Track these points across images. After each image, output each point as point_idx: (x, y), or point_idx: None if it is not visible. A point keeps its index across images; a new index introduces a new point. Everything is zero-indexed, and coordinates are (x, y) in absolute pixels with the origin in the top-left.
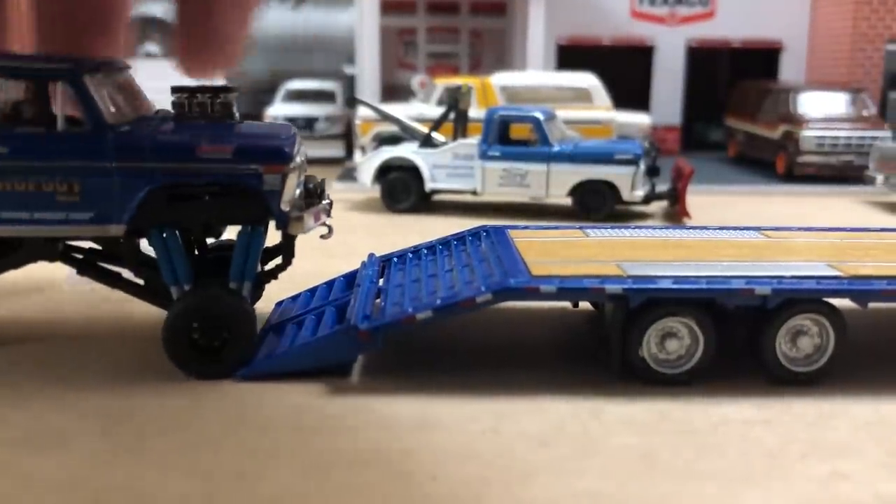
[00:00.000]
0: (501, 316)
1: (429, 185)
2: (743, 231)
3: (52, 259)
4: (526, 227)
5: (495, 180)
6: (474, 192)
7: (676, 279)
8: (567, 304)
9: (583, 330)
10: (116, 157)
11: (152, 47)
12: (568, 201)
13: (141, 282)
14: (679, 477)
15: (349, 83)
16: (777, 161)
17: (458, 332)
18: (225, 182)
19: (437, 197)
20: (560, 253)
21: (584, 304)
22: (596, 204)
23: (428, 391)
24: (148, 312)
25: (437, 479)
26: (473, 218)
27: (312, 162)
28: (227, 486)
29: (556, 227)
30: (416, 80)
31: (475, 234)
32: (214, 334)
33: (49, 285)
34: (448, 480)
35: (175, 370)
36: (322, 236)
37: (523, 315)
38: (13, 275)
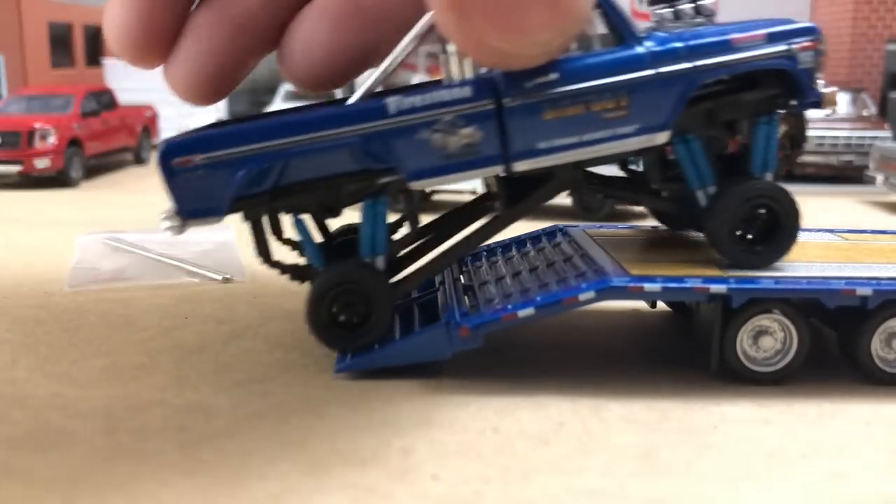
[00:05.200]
0: None
1: None
2: (817, 233)
3: (578, 187)
4: (601, 227)
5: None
6: (474, 192)
7: (777, 279)
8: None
9: (582, 328)
10: (657, 63)
11: None
12: (568, 201)
13: (664, 195)
14: (679, 476)
15: (348, 83)
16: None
17: None
18: (757, 69)
19: (436, 197)
20: (650, 253)
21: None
22: (596, 204)
23: (427, 389)
24: (146, 312)
25: (437, 477)
26: None
27: None
28: (226, 485)
29: (633, 227)
30: (416, 81)
31: (550, 233)
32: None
33: (51, 286)
34: (448, 479)
35: (173, 371)
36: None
37: None
38: (15, 275)
